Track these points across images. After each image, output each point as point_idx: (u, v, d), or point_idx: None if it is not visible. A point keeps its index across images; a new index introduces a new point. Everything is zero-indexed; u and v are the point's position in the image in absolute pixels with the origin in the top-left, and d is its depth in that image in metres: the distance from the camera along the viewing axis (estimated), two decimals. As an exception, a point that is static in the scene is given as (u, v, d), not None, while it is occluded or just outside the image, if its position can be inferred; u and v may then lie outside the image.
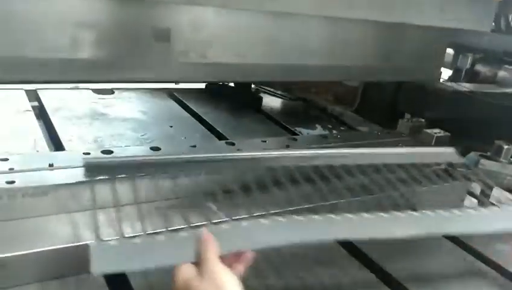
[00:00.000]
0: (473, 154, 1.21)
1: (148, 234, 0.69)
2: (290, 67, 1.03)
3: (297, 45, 1.01)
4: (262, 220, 0.71)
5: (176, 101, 1.61)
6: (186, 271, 0.62)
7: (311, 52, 1.04)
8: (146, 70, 0.88)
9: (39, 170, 0.83)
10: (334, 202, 0.96)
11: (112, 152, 0.95)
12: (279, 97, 1.84)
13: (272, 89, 1.85)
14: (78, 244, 0.74)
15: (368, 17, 0.99)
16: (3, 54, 0.75)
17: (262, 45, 0.97)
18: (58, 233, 0.76)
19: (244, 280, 0.64)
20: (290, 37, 0.99)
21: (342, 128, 1.58)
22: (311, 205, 0.94)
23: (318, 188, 0.91)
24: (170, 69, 0.90)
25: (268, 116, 1.61)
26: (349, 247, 0.95)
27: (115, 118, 1.34)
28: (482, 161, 1.18)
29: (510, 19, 1.37)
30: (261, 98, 1.72)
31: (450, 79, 1.81)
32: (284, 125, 1.53)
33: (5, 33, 0.74)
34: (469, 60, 1.57)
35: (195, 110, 1.51)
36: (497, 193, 1.27)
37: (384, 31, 1.11)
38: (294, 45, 1.01)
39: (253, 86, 1.82)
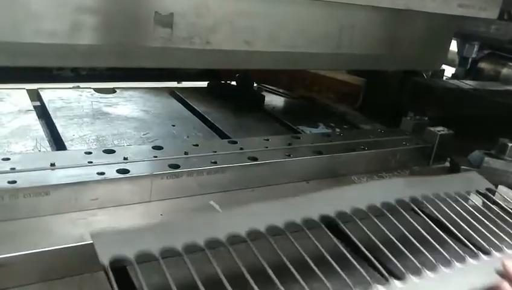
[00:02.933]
0: (477, 152, 1.20)
1: None
2: (295, 55, 1.02)
3: (302, 32, 1.00)
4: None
5: (178, 100, 1.60)
6: None
7: (316, 40, 1.02)
8: (147, 56, 0.87)
9: (41, 170, 0.82)
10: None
11: (114, 151, 0.94)
12: (282, 96, 1.84)
13: (274, 88, 1.85)
14: (81, 243, 0.74)
15: (372, 4, 0.98)
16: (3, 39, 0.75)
17: (267, 32, 0.96)
18: (60, 233, 0.76)
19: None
20: (295, 24, 0.98)
21: (344, 126, 1.58)
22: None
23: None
24: (172, 56, 0.89)
25: (271, 115, 1.61)
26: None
27: (116, 117, 1.34)
28: (487, 159, 1.17)
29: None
30: (263, 97, 1.71)
31: (454, 76, 1.80)
32: (286, 123, 1.52)
33: (3, 17, 0.74)
34: (475, 49, 1.56)
35: (198, 109, 1.51)
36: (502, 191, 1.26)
37: (388, 19, 1.10)
38: (300, 32, 1.00)
39: (255, 84, 1.82)
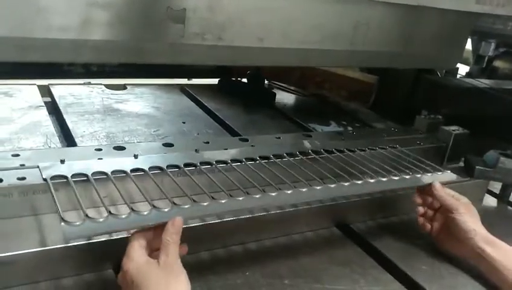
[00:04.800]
0: (492, 152, 1.18)
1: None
2: (308, 52, 1.00)
3: (316, 28, 0.98)
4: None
5: (188, 96, 1.59)
6: (141, 253, 0.66)
7: (330, 37, 1.01)
8: (159, 52, 0.86)
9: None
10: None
11: (124, 148, 0.94)
12: (293, 93, 1.82)
13: (285, 85, 1.83)
14: (88, 242, 0.73)
15: (391, 0, 0.97)
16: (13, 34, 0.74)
17: (281, 28, 0.95)
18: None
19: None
20: (309, 20, 0.97)
21: (357, 124, 1.56)
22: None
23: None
24: (184, 52, 0.88)
25: (282, 113, 1.59)
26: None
27: (127, 114, 1.33)
28: (502, 159, 1.15)
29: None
30: (274, 94, 1.70)
31: (468, 75, 1.77)
32: (297, 121, 1.51)
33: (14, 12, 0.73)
34: (492, 47, 1.52)
35: (208, 106, 1.50)
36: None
37: (404, 16, 1.08)
38: (313, 28, 0.98)
39: (266, 81, 1.80)
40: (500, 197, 1.25)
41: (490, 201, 1.24)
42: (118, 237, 0.74)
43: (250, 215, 0.86)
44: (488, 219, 1.11)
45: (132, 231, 0.69)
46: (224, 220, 0.84)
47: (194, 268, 0.75)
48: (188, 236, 0.76)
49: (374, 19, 1.04)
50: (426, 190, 0.97)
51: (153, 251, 0.69)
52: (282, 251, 0.89)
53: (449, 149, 1.23)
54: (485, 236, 0.88)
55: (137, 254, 0.65)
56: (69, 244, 0.71)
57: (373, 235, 0.99)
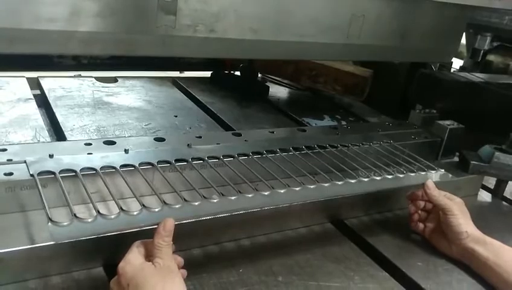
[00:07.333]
0: (487, 147, 1.17)
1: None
2: (303, 45, 0.99)
3: (311, 21, 0.97)
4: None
5: (180, 90, 1.57)
6: (138, 258, 0.66)
7: (326, 29, 0.99)
8: (150, 44, 0.84)
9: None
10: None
11: (114, 143, 0.92)
12: (286, 87, 1.80)
13: (278, 79, 1.81)
14: (77, 240, 0.71)
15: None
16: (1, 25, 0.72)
17: (275, 20, 0.93)
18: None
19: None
20: (304, 12, 0.95)
21: (350, 119, 1.55)
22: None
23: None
24: (176, 44, 0.86)
25: (275, 106, 1.58)
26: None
27: (118, 107, 1.31)
28: (497, 154, 1.14)
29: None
30: (267, 88, 1.68)
31: (462, 69, 1.76)
32: (291, 115, 1.49)
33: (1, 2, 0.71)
34: (488, 41, 1.51)
35: (201, 100, 1.48)
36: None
37: (400, 8, 1.06)
38: (308, 21, 0.96)
39: (259, 75, 1.78)
40: (495, 192, 1.24)
41: (485, 196, 1.24)
42: (108, 233, 0.72)
43: (243, 211, 0.85)
44: (483, 214, 1.12)
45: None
46: (217, 216, 0.82)
47: (186, 265, 0.74)
48: (180, 232, 0.75)
49: (370, 12, 1.02)
50: (417, 194, 0.97)
51: (151, 257, 0.68)
52: (276, 247, 0.88)
53: (444, 144, 1.22)
54: (476, 236, 0.88)
55: (134, 258, 0.65)
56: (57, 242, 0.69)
57: (368, 231, 0.98)
